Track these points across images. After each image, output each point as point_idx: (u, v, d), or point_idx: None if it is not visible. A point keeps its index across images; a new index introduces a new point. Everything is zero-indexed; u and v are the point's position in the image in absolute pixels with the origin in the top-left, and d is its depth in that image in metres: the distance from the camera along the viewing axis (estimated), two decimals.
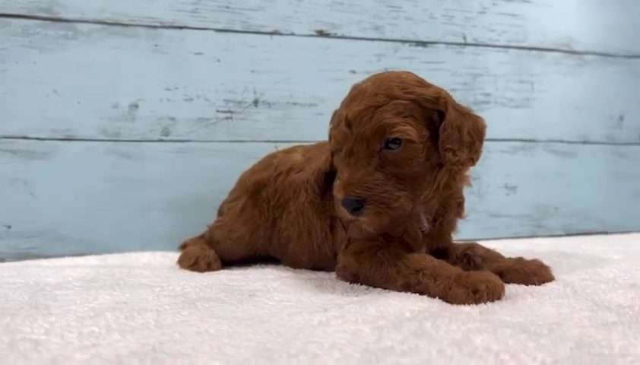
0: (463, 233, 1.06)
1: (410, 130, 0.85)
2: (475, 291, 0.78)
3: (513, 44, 1.57)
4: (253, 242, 1.11)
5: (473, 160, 0.91)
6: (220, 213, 1.18)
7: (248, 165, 1.28)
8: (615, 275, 0.97)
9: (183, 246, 1.24)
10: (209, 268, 1.07)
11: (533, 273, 0.92)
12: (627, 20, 1.64)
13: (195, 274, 1.02)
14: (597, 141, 1.63)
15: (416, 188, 0.87)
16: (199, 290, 0.88)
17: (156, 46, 1.29)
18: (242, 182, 1.17)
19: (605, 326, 0.66)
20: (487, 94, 1.54)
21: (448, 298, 0.79)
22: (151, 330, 0.66)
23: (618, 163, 1.65)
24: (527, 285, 0.90)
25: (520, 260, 0.95)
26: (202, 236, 1.18)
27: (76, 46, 1.24)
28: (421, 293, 0.83)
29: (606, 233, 1.61)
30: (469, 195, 1.46)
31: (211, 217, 1.24)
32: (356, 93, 0.89)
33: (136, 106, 1.27)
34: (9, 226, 1.18)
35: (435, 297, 0.81)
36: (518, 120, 1.56)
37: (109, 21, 1.26)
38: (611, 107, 1.65)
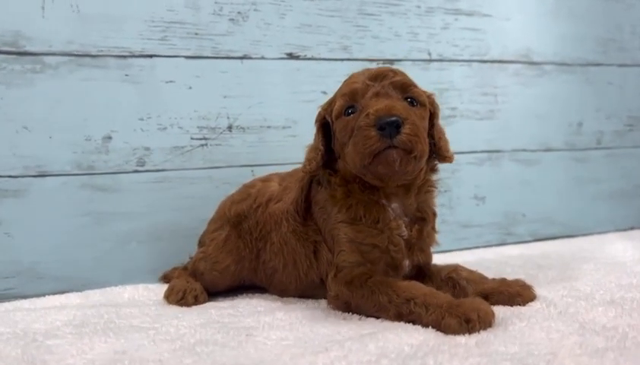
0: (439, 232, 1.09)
1: (424, 96, 0.96)
2: (467, 321, 0.81)
3: (476, 58, 1.61)
4: (238, 272, 1.11)
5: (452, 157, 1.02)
6: (202, 244, 1.18)
7: (225, 191, 1.28)
8: (591, 289, 1.02)
9: (164, 277, 1.24)
10: (196, 301, 1.07)
11: (518, 294, 0.96)
12: (582, 30, 1.71)
13: (185, 310, 1.02)
14: (558, 147, 1.69)
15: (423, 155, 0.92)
16: (194, 331, 0.88)
17: (126, 75, 1.27)
18: (222, 211, 1.17)
19: (597, 353, 0.70)
20: (453, 108, 1.58)
21: (442, 328, 0.82)
22: None
23: (578, 168, 1.72)
24: (512, 306, 0.94)
25: (503, 281, 0.98)
26: (185, 268, 1.17)
27: (44, 79, 1.22)
28: (414, 323, 0.86)
29: (570, 236, 1.67)
30: (440, 207, 1.50)
31: (191, 246, 1.24)
32: (367, 69, 0.98)
33: (109, 137, 1.25)
34: None
35: (428, 327, 0.84)
36: (484, 132, 1.60)
37: (77, 53, 1.24)
38: (570, 115, 1.72)
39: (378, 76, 0.94)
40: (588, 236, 1.68)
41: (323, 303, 1.02)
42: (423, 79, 1.51)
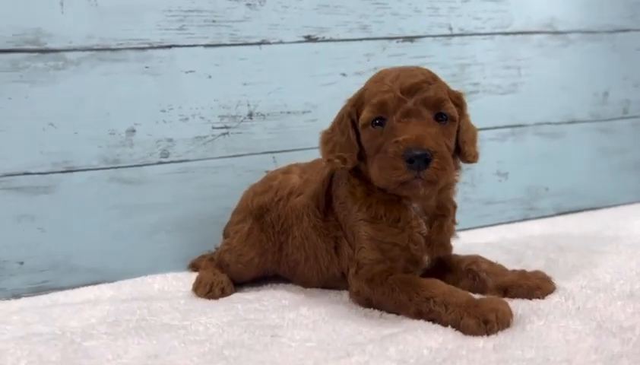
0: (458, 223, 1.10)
1: (455, 110, 0.95)
2: (486, 322, 0.83)
3: (498, 30, 1.58)
4: (262, 264, 1.14)
5: (477, 157, 1.01)
6: (226, 235, 1.21)
7: (248, 179, 1.31)
8: (611, 279, 1.02)
9: (192, 265, 1.28)
10: (223, 293, 1.11)
11: (537, 287, 0.97)
12: None
13: (212, 304, 1.06)
14: (583, 119, 1.67)
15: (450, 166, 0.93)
16: (222, 330, 0.92)
17: (146, 68, 1.28)
18: (244, 203, 1.19)
19: (612, 360, 0.72)
20: (475, 84, 1.56)
21: (461, 327, 0.85)
22: None
23: (603, 139, 1.69)
24: (530, 299, 0.96)
25: (522, 274, 1.00)
26: (211, 259, 1.21)
27: (67, 76, 1.23)
28: (433, 321, 0.89)
29: (594, 208, 1.66)
30: (463, 185, 1.51)
31: (216, 234, 1.27)
32: (401, 72, 0.94)
33: (133, 130, 1.27)
34: (22, 263, 1.21)
35: (447, 326, 0.86)
36: (506, 107, 1.59)
37: (97, 47, 1.25)
38: (596, 84, 1.68)
39: (411, 89, 0.92)
40: (613, 207, 1.67)
41: (345, 295, 1.05)
42: (444, 55, 1.52)
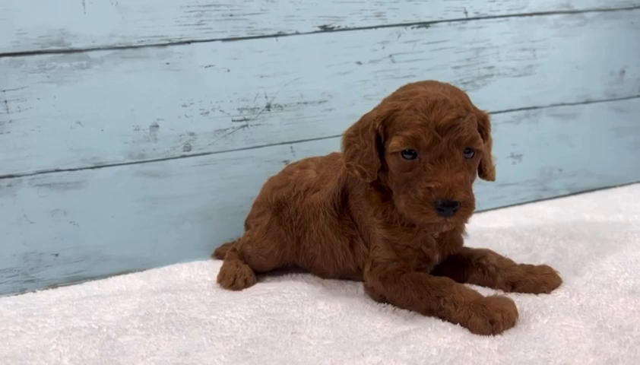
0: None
1: (482, 141, 0.97)
2: (492, 322, 0.88)
3: (514, 12, 1.58)
4: (282, 256, 1.20)
5: (494, 175, 1.06)
6: (248, 227, 1.27)
7: (267, 169, 1.37)
8: (616, 272, 1.07)
9: (216, 254, 1.35)
10: (246, 284, 1.18)
11: (543, 282, 1.02)
12: None
13: (236, 297, 1.13)
14: (599, 98, 1.68)
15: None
16: (246, 326, 0.99)
17: (167, 64, 1.32)
18: (264, 196, 1.25)
19: (608, 363, 0.77)
20: (490, 67, 1.57)
21: (469, 326, 0.90)
22: None
23: (618, 118, 1.70)
24: (537, 294, 1.01)
25: (530, 269, 1.04)
26: (234, 249, 1.27)
27: (91, 74, 1.28)
28: (443, 319, 0.94)
29: (607, 187, 1.69)
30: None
31: (238, 223, 1.33)
32: (436, 101, 0.93)
33: (156, 126, 1.33)
34: (57, 255, 1.28)
35: (456, 323, 0.92)
36: (521, 89, 1.60)
37: (119, 45, 1.29)
38: (612, 63, 1.68)
39: (445, 127, 0.92)
40: (627, 186, 1.69)
41: (361, 287, 1.11)
42: (459, 40, 1.54)
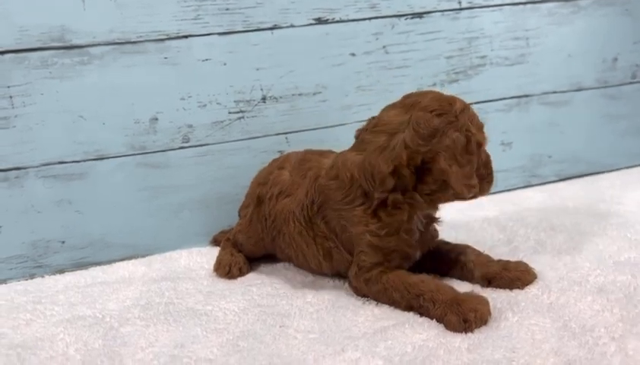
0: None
1: None
2: (465, 320, 0.95)
3: (507, 1, 1.60)
4: (264, 247, 1.26)
5: None
6: (240, 216, 1.34)
7: (262, 159, 1.42)
8: (589, 268, 1.12)
9: (214, 240, 1.42)
10: (241, 273, 1.25)
11: (517, 278, 1.08)
12: None
13: (232, 287, 1.20)
14: (590, 86, 1.71)
15: None
16: (238, 318, 1.06)
17: (165, 58, 1.37)
18: (252, 188, 1.30)
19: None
20: (483, 57, 1.60)
21: (444, 323, 0.97)
22: None
23: (609, 105, 1.74)
24: (511, 290, 1.07)
25: (506, 265, 1.10)
26: (228, 239, 1.33)
27: (92, 70, 1.33)
28: (422, 315, 1.01)
29: (597, 173, 1.73)
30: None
31: (235, 211, 1.39)
32: (448, 107, 1.02)
33: (156, 119, 1.38)
34: (63, 242, 1.36)
35: (433, 319, 0.99)
36: (513, 78, 1.63)
37: (118, 41, 1.34)
38: (605, 50, 1.70)
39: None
40: (615, 172, 1.74)
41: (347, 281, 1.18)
42: (453, 30, 1.57)
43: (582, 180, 1.70)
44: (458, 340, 0.93)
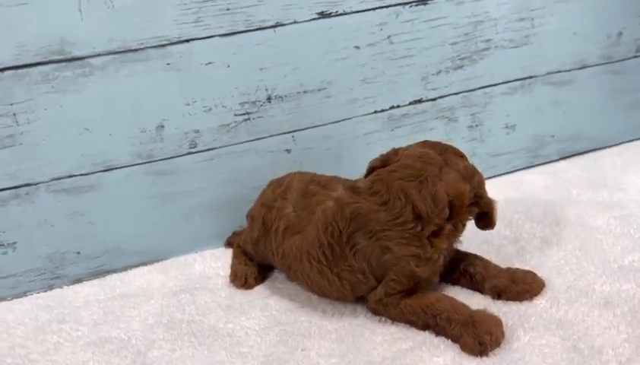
0: None
1: None
2: (481, 343, 1.00)
3: None
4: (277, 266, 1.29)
5: None
6: (248, 221, 1.34)
7: (270, 159, 1.44)
8: (595, 274, 1.17)
9: (228, 243, 1.45)
10: (256, 282, 1.29)
11: (526, 291, 1.13)
12: None
13: (249, 299, 1.24)
14: (594, 63, 1.69)
15: None
16: (260, 339, 1.11)
17: (168, 64, 1.34)
18: (256, 208, 1.29)
19: None
20: (487, 40, 1.58)
21: (460, 344, 1.02)
22: None
23: (613, 81, 1.73)
24: (521, 302, 1.12)
25: (514, 276, 1.14)
26: (239, 245, 1.35)
27: (95, 81, 1.30)
28: (437, 334, 1.06)
29: (600, 149, 1.75)
30: (471, 141, 1.61)
31: (245, 211, 1.40)
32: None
33: (162, 126, 1.37)
34: (78, 252, 1.38)
35: (449, 339, 1.04)
36: (518, 60, 1.61)
37: (119, 50, 1.30)
38: (610, 25, 1.68)
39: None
40: (616, 147, 1.76)
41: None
42: (457, 15, 1.55)
43: (583, 158, 1.71)
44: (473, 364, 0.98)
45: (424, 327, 1.08)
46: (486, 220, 1.15)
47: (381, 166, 1.15)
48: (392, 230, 1.07)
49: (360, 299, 1.19)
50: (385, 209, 1.07)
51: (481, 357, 1.00)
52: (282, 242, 1.19)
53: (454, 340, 1.04)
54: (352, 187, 1.14)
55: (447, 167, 1.09)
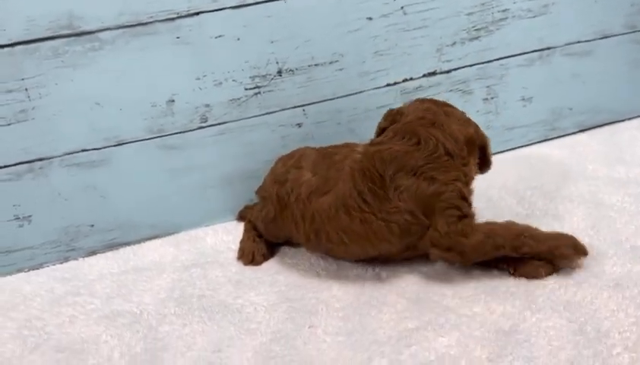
0: None
1: None
2: (575, 247, 1.11)
3: None
4: (293, 240, 1.28)
5: None
6: (258, 198, 1.35)
7: (281, 133, 1.44)
8: (605, 254, 1.16)
9: (240, 217, 1.46)
10: (264, 258, 1.30)
11: (536, 270, 1.12)
12: None
13: (259, 275, 1.25)
14: (617, 32, 1.64)
15: None
16: (269, 315, 1.12)
17: (177, 38, 1.33)
18: (268, 184, 1.29)
19: None
20: (504, 10, 1.53)
21: (556, 255, 1.10)
22: None
23: (636, 51, 1.68)
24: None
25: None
26: (249, 221, 1.36)
27: (104, 55, 1.30)
28: (524, 255, 1.10)
29: (617, 121, 1.71)
30: (486, 114, 1.58)
31: (256, 185, 1.41)
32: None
33: (172, 100, 1.37)
34: (92, 225, 1.40)
35: (541, 255, 1.10)
36: (536, 30, 1.57)
37: (128, 24, 1.29)
38: None
39: None
40: (635, 119, 1.72)
41: (369, 269, 1.21)
42: None
43: (602, 131, 1.68)
44: (478, 349, 0.98)
45: (512, 250, 1.08)
46: (482, 158, 1.23)
47: (390, 124, 1.21)
48: (433, 163, 1.12)
49: (366, 277, 1.19)
50: (419, 149, 1.13)
51: (585, 256, 1.11)
52: (309, 207, 1.17)
53: (548, 254, 1.09)
54: (373, 141, 1.20)
55: (449, 116, 1.18)
